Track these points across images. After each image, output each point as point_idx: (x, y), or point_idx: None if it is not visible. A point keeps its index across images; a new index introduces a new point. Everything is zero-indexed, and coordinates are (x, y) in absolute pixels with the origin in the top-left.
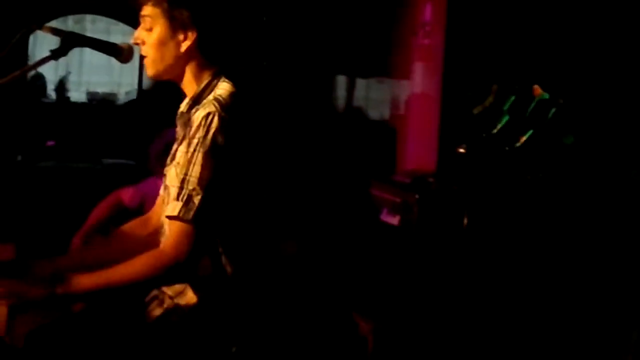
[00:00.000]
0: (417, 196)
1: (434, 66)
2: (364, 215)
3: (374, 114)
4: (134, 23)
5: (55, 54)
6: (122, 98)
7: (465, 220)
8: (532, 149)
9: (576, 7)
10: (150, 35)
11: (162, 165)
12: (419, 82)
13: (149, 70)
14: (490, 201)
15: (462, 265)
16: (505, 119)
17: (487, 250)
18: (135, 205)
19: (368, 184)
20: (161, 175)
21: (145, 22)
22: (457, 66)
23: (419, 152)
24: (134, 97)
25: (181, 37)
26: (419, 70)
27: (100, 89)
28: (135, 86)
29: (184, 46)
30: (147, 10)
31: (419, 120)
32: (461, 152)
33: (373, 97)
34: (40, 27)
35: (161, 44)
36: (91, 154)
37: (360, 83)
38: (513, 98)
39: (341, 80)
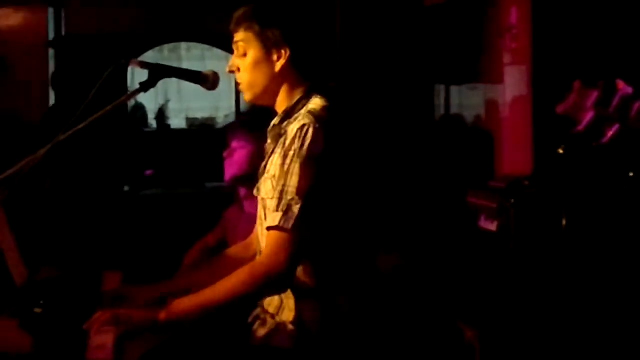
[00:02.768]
0: (512, 200)
1: (523, 69)
2: (462, 223)
3: (469, 120)
4: (228, 48)
5: (144, 87)
6: (221, 122)
7: (564, 222)
8: (622, 144)
9: None
10: (244, 61)
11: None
12: (509, 85)
13: (246, 95)
14: (589, 201)
15: (563, 267)
16: (590, 115)
17: (587, 252)
18: (216, 244)
19: (465, 192)
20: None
21: (238, 49)
22: (546, 67)
23: (514, 155)
24: (233, 119)
25: (275, 56)
26: (508, 73)
27: (200, 114)
28: (234, 109)
29: (279, 65)
30: (240, 35)
31: (513, 124)
32: (560, 153)
33: (467, 103)
34: (129, 62)
35: (256, 66)
36: (194, 179)
37: (454, 90)
38: (596, 94)
39: (436, 88)
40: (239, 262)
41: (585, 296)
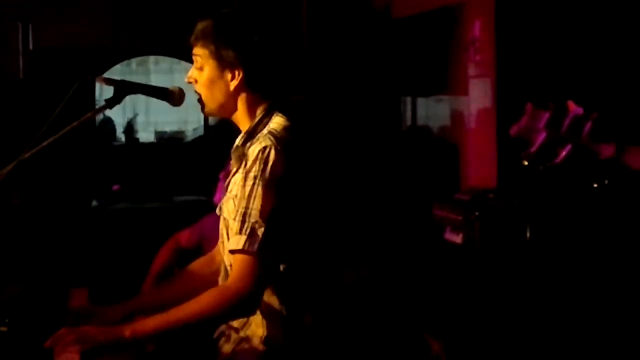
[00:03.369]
0: (477, 213)
1: (487, 81)
2: (427, 236)
3: (435, 131)
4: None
5: (110, 103)
6: (189, 135)
7: (528, 234)
8: (573, 163)
9: (615, 19)
10: (201, 75)
11: None
12: (474, 97)
13: (205, 109)
14: (553, 213)
15: (527, 279)
16: (542, 136)
17: (551, 263)
18: (193, 246)
19: (431, 204)
20: None
21: (196, 62)
22: (510, 79)
23: (479, 168)
24: (201, 133)
25: (229, 76)
26: (473, 85)
27: (168, 128)
28: (202, 122)
29: (233, 85)
30: (197, 50)
31: (478, 136)
32: (524, 165)
33: (434, 115)
34: (94, 79)
35: (211, 83)
36: (162, 192)
37: (421, 102)
38: (547, 115)
39: (403, 100)
40: (203, 278)
41: (549, 307)
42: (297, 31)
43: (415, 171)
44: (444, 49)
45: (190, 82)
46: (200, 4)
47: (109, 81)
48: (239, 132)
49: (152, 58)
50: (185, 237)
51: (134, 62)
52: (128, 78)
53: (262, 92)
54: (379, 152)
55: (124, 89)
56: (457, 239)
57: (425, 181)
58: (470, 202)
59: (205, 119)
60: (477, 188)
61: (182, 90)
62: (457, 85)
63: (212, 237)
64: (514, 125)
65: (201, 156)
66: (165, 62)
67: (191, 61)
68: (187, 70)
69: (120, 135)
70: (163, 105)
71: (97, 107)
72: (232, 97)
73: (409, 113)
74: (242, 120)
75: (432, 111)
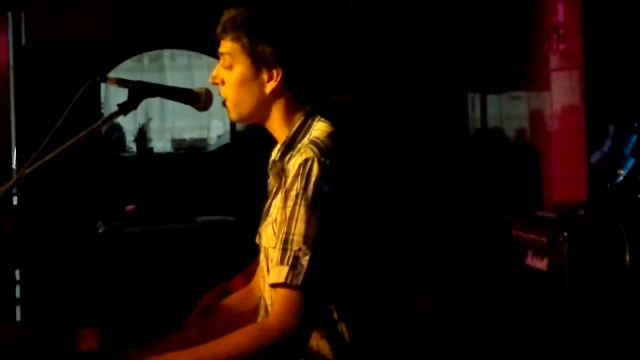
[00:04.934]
0: (565, 233)
1: (574, 74)
2: (506, 261)
3: (511, 135)
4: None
5: (124, 109)
6: (213, 143)
7: (628, 258)
8: None
9: None
10: (230, 75)
11: None
12: (558, 93)
13: (231, 114)
14: None
15: (626, 313)
16: (631, 162)
17: None
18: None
19: (509, 224)
20: None
21: (224, 59)
22: (600, 71)
23: (566, 178)
24: (227, 140)
25: (265, 76)
26: (557, 80)
27: (187, 135)
28: (228, 128)
29: (269, 87)
30: (226, 46)
31: (564, 140)
32: (620, 174)
33: (508, 115)
34: (105, 80)
35: (242, 84)
36: (182, 212)
37: (492, 100)
38: (635, 138)
39: (470, 98)
40: (237, 315)
41: None
42: (341, 15)
43: (487, 183)
44: (520, 36)
45: (215, 84)
46: None
47: (122, 82)
48: (273, 139)
49: (167, 52)
50: (237, 284)
51: (147, 57)
52: (140, 76)
53: (303, 95)
54: (443, 161)
55: (140, 91)
56: (542, 264)
57: (499, 195)
58: (556, 221)
59: (232, 124)
60: (564, 203)
61: (209, 92)
62: (536, 80)
63: None
64: (595, 151)
65: (227, 168)
66: (183, 57)
67: (214, 55)
68: (209, 67)
69: (131, 145)
70: (181, 108)
71: (102, 111)
72: (268, 101)
73: (477, 113)
74: (278, 128)
75: (507, 111)
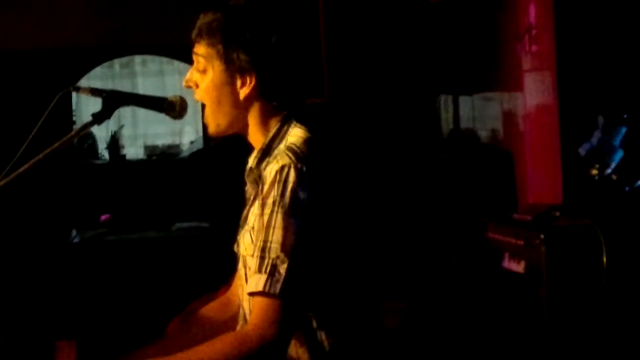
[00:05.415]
0: (542, 236)
1: (547, 75)
2: (482, 264)
3: (484, 136)
4: (190, 59)
5: (98, 118)
6: (185, 149)
7: (605, 260)
8: None
9: None
10: (204, 78)
11: None
12: (531, 94)
13: (210, 127)
14: (635, 234)
15: (605, 316)
16: (619, 155)
17: (633, 296)
18: None
19: (484, 226)
20: None
21: (198, 62)
22: (573, 72)
23: (540, 180)
24: (200, 146)
25: (239, 82)
26: (529, 81)
27: (160, 141)
28: (200, 133)
29: (243, 93)
30: (200, 49)
31: (537, 140)
32: (594, 175)
33: (480, 116)
34: (78, 90)
35: (216, 89)
36: (156, 219)
37: (464, 101)
38: (624, 130)
39: (442, 99)
40: (216, 324)
41: (632, 349)
42: (312, 18)
43: (461, 185)
44: (492, 37)
45: (188, 87)
46: None
47: (96, 92)
48: (246, 143)
49: (138, 59)
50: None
51: (117, 63)
52: (111, 82)
53: (278, 102)
54: (416, 163)
55: (114, 100)
56: (518, 267)
57: (473, 197)
58: (532, 223)
59: (204, 129)
60: (539, 205)
61: (183, 100)
62: (509, 81)
63: None
64: (584, 143)
65: (201, 174)
66: (155, 62)
67: (185, 60)
68: (180, 72)
69: (103, 152)
70: (153, 114)
71: (74, 119)
72: (242, 107)
73: (450, 114)
74: (254, 135)
75: (479, 112)
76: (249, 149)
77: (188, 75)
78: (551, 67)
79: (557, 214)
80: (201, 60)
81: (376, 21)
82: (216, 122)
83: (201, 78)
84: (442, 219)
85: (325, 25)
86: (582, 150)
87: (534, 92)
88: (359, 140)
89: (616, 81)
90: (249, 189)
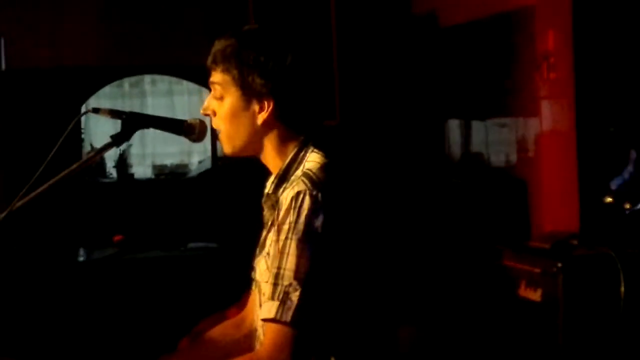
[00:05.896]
0: (559, 264)
1: (565, 104)
2: (498, 292)
3: (496, 162)
4: (201, 80)
5: (117, 140)
6: (194, 169)
7: (623, 289)
8: None
9: None
10: (221, 106)
11: None
12: (548, 122)
13: (225, 147)
14: None
15: (623, 345)
16: None
17: None
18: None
19: (499, 254)
20: None
21: (215, 90)
22: (592, 101)
23: (556, 208)
24: (209, 166)
25: (256, 107)
26: (546, 108)
27: (169, 161)
28: (209, 153)
29: (261, 118)
30: (216, 76)
31: (554, 169)
32: (608, 203)
33: (493, 141)
34: (97, 111)
35: (234, 116)
36: (165, 239)
37: (478, 126)
38: None
39: (453, 125)
40: (229, 343)
41: None
42: (325, 40)
43: (472, 210)
44: (507, 63)
45: (206, 115)
46: (204, 13)
47: (115, 114)
48: (255, 164)
49: (147, 78)
50: (234, 315)
51: (127, 82)
52: (120, 101)
53: (296, 126)
54: (427, 186)
55: (133, 122)
56: (535, 295)
57: (485, 223)
58: (550, 251)
59: (214, 149)
60: (556, 233)
61: (203, 123)
62: (524, 107)
63: None
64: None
65: (209, 194)
66: (164, 82)
67: (194, 80)
68: (190, 92)
69: (111, 171)
70: (161, 133)
71: (82, 136)
72: (260, 132)
73: (460, 138)
74: (271, 160)
75: (492, 137)
76: (258, 169)
77: (206, 103)
78: (569, 94)
79: (575, 242)
80: (217, 87)
81: (388, 44)
82: (232, 144)
83: (219, 105)
84: (454, 244)
85: (338, 48)
86: (613, 185)
87: (551, 119)
88: (370, 164)
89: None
90: (266, 214)
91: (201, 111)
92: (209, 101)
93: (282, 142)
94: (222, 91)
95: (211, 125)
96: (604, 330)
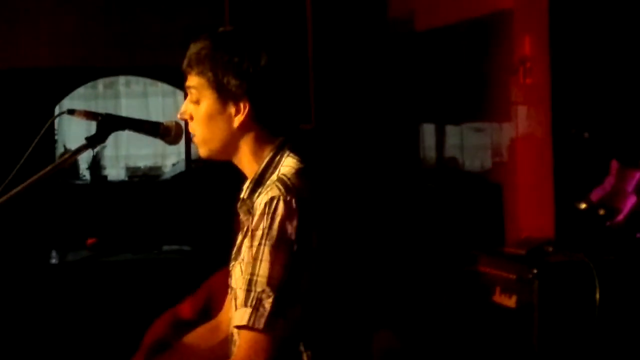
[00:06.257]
0: (535, 270)
1: (541, 109)
2: (472, 297)
3: (471, 167)
4: (175, 81)
5: (92, 141)
6: (167, 171)
7: (598, 296)
8: None
9: None
10: (198, 110)
11: None
12: (523, 127)
13: (201, 151)
14: (629, 270)
15: (597, 352)
16: (631, 201)
17: (626, 334)
18: (196, 317)
19: (474, 259)
20: None
21: (191, 94)
22: (567, 106)
23: (531, 214)
24: (182, 169)
25: (233, 110)
26: (522, 113)
27: (142, 163)
28: (183, 156)
29: (237, 120)
30: (192, 80)
31: (530, 174)
32: (582, 209)
33: (468, 146)
34: (73, 113)
35: (210, 119)
36: (138, 242)
37: (453, 130)
38: (638, 175)
39: (429, 129)
40: (205, 350)
41: None
42: (300, 43)
43: (446, 215)
44: (482, 67)
45: (183, 119)
46: (179, 14)
47: (90, 115)
48: (229, 167)
49: (122, 79)
50: (186, 310)
51: (101, 84)
52: (94, 103)
53: (272, 128)
54: (401, 190)
55: (109, 124)
56: (510, 302)
57: (459, 228)
58: (525, 257)
59: (187, 152)
60: (532, 239)
61: (179, 125)
62: (499, 112)
63: (223, 300)
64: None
65: (183, 197)
66: (139, 84)
67: (169, 82)
68: (164, 94)
69: (85, 173)
70: (135, 135)
71: (55, 137)
72: (237, 135)
73: (435, 143)
74: (247, 163)
75: (467, 141)
76: (232, 172)
77: (183, 107)
78: (545, 100)
79: (550, 249)
80: (193, 91)
81: (364, 48)
82: (208, 147)
83: (195, 109)
84: (429, 249)
85: (314, 51)
86: (594, 196)
87: (527, 124)
88: (345, 168)
89: (613, 110)
90: (242, 219)
91: (178, 116)
92: (186, 105)
93: (259, 146)
94: (198, 95)
95: (186, 128)
96: (579, 337)
